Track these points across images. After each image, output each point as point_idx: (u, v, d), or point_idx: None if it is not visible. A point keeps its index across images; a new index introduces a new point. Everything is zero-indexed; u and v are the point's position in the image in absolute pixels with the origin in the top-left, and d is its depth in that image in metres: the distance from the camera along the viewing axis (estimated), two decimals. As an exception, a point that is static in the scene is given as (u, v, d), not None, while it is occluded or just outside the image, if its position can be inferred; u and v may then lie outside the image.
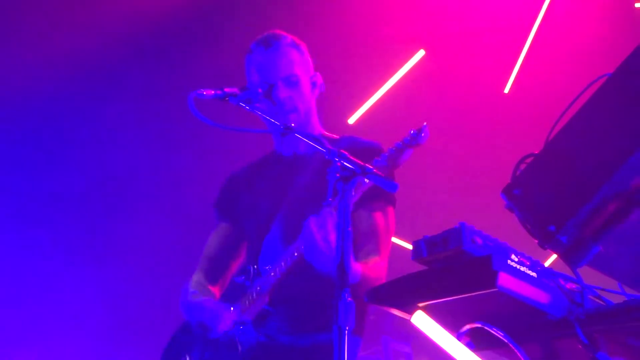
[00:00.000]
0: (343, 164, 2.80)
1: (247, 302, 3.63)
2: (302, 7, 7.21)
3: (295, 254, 3.46)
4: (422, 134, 3.20)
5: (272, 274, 3.55)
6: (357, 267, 3.40)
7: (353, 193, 3.27)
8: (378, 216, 3.66)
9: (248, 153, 4.22)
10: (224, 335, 3.62)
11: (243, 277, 3.72)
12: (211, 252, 4.01)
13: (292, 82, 3.83)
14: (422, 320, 2.69)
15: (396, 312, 2.78)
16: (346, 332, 2.54)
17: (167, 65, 7.11)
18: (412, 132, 3.23)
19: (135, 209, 7.08)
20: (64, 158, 6.99)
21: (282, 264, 3.51)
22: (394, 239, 6.59)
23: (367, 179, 2.84)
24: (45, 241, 6.86)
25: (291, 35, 3.97)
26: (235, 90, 3.30)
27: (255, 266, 3.69)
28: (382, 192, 3.59)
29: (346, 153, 2.84)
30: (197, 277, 3.93)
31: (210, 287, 3.90)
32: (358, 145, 3.69)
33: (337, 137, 3.89)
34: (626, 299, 2.60)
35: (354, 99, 7.57)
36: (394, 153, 3.23)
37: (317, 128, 3.93)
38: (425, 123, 3.22)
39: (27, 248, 6.82)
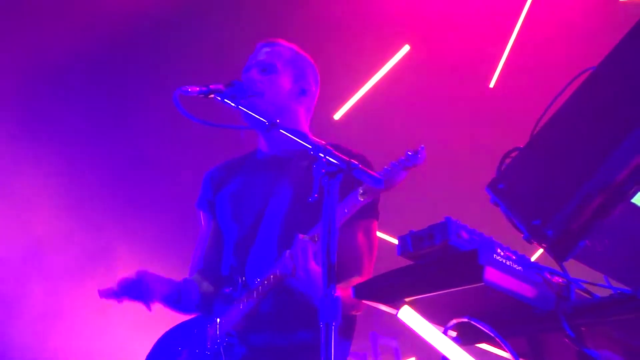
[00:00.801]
0: (328, 159, 2.79)
1: (234, 314, 3.61)
2: (287, 3, 7.21)
3: (272, 277, 3.47)
4: (419, 156, 3.21)
5: (260, 288, 3.53)
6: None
7: (346, 211, 3.30)
8: (360, 236, 3.66)
9: (237, 149, 4.21)
10: (210, 346, 3.61)
11: (230, 289, 3.71)
12: (207, 254, 3.98)
13: (267, 70, 3.86)
14: (408, 315, 2.69)
15: (383, 307, 2.78)
16: (333, 328, 2.53)
17: (163, 63, 7.11)
18: (409, 153, 3.23)
19: (129, 205, 7.07)
20: (61, 157, 6.97)
21: (267, 281, 3.51)
22: (381, 234, 6.60)
23: (352, 173, 2.83)
24: (41, 241, 6.85)
25: (303, 51, 4.02)
26: (220, 86, 3.29)
27: (243, 278, 3.67)
28: (365, 210, 3.60)
29: (331, 148, 2.83)
30: (201, 281, 3.92)
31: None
32: (344, 154, 3.67)
33: (324, 142, 3.89)
34: (612, 292, 2.61)
35: (339, 95, 7.57)
36: (388, 173, 3.22)
37: (304, 132, 3.93)
38: (422, 145, 3.22)
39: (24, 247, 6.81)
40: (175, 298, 3.75)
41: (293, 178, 3.77)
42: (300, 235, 3.36)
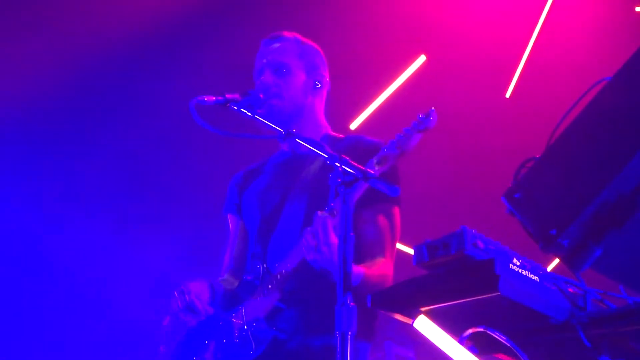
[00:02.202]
0: (344, 169, 2.80)
1: (258, 300, 3.62)
2: (304, 14, 7.22)
3: (294, 258, 3.47)
4: (431, 118, 3.23)
5: (280, 274, 3.54)
6: (359, 270, 3.42)
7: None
8: (381, 218, 3.66)
9: (252, 156, 4.23)
10: (237, 332, 3.62)
11: (252, 276, 3.72)
12: (237, 254, 3.99)
13: (280, 71, 3.87)
14: (424, 325, 2.69)
15: (399, 316, 2.78)
16: (349, 337, 2.54)
17: (172, 69, 7.14)
18: (420, 116, 3.25)
19: (138, 215, 7.09)
20: (65, 161, 7.00)
21: (288, 265, 3.52)
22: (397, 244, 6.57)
23: (368, 183, 2.84)
24: (43, 251, 6.87)
25: (306, 38, 4.02)
26: (236, 96, 3.31)
27: (265, 265, 3.69)
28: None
29: (347, 158, 2.84)
30: (227, 277, 3.94)
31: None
32: (362, 144, 3.70)
33: (342, 136, 3.90)
34: (628, 302, 2.61)
35: (355, 105, 7.58)
36: (402, 138, 3.25)
37: (323, 127, 3.95)
38: (432, 108, 3.24)
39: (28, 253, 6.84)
40: (213, 299, 3.78)
41: (311, 171, 3.79)
42: (319, 212, 3.35)
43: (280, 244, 3.70)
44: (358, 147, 3.32)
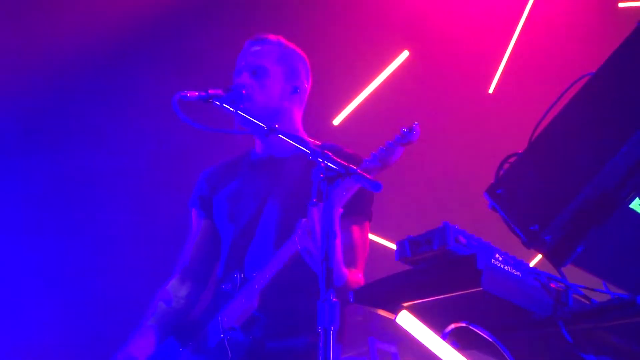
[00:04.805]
0: (327, 164, 2.80)
1: (234, 308, 3.62)
2: (287, 9, 7.22)
3: (288, 256, 3.46)
4: (414, 132, 3.22)
5: (260, 281, 3.53)
6: (345, 271, 3.42)
7: (344, 193, 3.29)
8: (355, 229, 3.67)
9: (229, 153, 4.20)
10: (213, 343, 3.62)
11: (229, 285, 3.71)
12: (194, 252, 3.98)
13: (257, 73, 3.83)
14: (407, 320, 2.70)
15: (381, 312, 2.78)
16: (331, 332, 2.54)
17: (157, 66, 7.12)
18: (403, 130, 3.24)
19: (119, 210, 7.07)
20: (52, 160, 6.98)
21: (271, 270, 3.51)
22: (379, 239, 6.58)
23: (351, 178, 2.84)
24: (24, 245, 6.85)
25: (292, 43, 4.00)
26: (219, 91, 3.30)
27: (242, 274, 3.68)
28: (360, 206, 3.62)
29: (330, 154, 2.84)
30: (172, 286, 3.92)
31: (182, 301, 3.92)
32: (342, 155, 3.67)
33: (319, 143, 3.88)
34: (611, 297, 2.61)
35: (338, 100, 7.57)
36: (384, 152, 3.23)
37: (300, 133, 3.92)
38: (416, 122, 3.24)
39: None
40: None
41: (289, 178, 3.78)
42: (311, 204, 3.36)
43: (258, 253, 3.68)
44: (337, 156, 3.29)
